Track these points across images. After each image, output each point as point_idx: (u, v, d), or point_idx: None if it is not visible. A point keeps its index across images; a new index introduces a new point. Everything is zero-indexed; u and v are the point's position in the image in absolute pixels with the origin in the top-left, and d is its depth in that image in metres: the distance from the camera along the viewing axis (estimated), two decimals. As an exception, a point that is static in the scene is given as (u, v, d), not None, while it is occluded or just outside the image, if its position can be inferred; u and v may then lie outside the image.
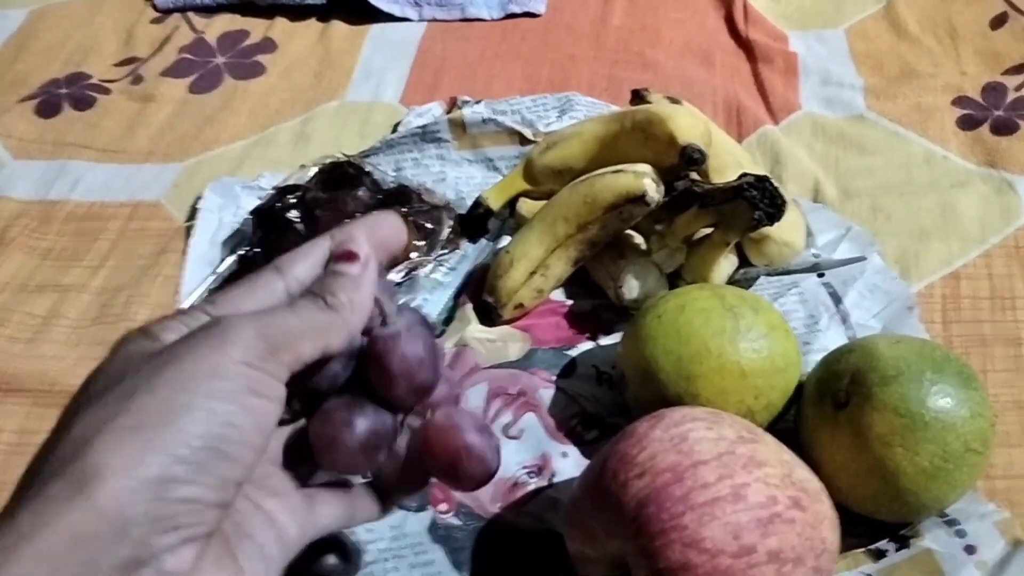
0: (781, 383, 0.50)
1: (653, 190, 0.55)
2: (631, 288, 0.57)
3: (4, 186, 0.72)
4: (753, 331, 0.49)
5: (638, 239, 0.61)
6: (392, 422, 0.36)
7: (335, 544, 0.47)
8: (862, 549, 0.48)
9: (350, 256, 0.34)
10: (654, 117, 0.57)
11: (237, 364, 0.29)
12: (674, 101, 0.64)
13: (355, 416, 0.34)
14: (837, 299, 0.59)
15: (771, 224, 0.52)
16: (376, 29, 0.86)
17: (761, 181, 0.52)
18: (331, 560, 0.46)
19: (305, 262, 0.34)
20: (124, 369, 0.29)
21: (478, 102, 0.73)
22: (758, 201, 0.52)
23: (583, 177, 0.58)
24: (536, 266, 0.59)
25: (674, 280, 0.59)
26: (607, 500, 0.41)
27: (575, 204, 0.57)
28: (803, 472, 0.43)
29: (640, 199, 0.55)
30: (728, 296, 0.51)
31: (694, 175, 0.56)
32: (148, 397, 0.28)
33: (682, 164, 0.55)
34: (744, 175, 0.53)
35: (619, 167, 0.56)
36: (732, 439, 0.42)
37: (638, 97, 0.65)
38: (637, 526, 0.40)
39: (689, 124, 0.56)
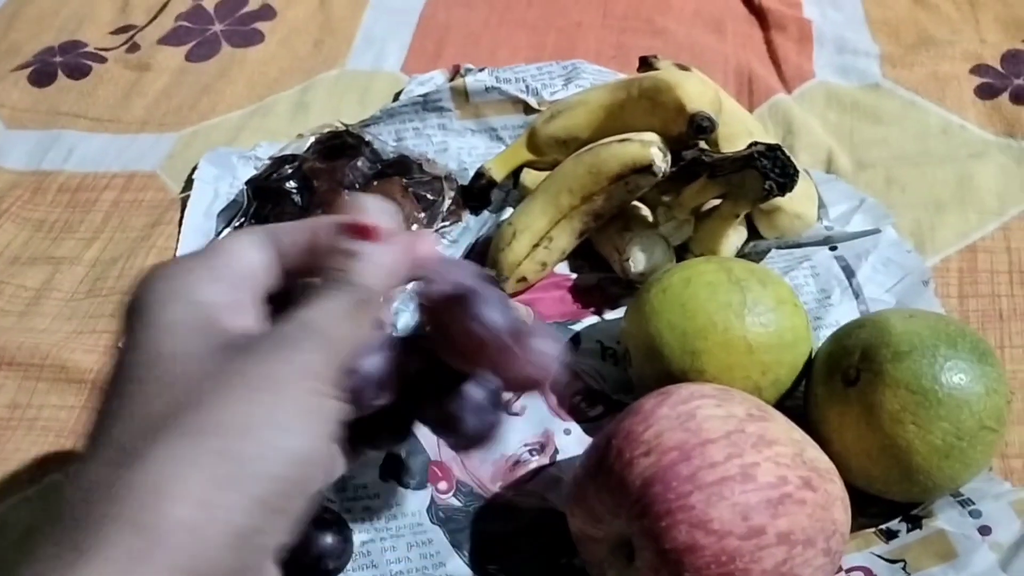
0: (789, 359, 0.48)
1: (660, 159, 0.53)
2: (637, 261, 0.56)
3: (-2, 156, 0.70)
4: (760, 305, 0.47)
5: (645, 211, 0.59)
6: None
7: (331, 524, 0.46)
8: (873, 529, 0.47)
9: (366, 232, 0.30)
10: (662, 84, 0.55)
11: (314, 395, 0.28)
12: (683, 68, 0.62)
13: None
14: (850, 273, 0.58)
15: (782, 195, 0.50)
16: (378, -5, 0.84)
17: (772, 150, 0.50)
18: (328, 540, 0.45)
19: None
20: (174, 350, 0.27)
21: (481, 70, 0.71)
22: (769, 171, 0.50)
23: (588, 147, 0.57)
24: (540, 239, 0.57)
25: (681, 253, 0.58)
26: (611, 479, 0.40)
27: (579, 175, 0.56)
28: (814, 452, 0.42)
29: (647, 169, 0.53)
30: (735, 269, 0.49)
31: (703, 144, 0.54)
32: (224, 415, 0.26)
33: (691, 132, 0.53)
34: (754, 144, 0.51)
35: (625, 136, 0.55)
36: (742, 417, 0.40)
37: (646, 64, 0.63)
38: (642, 506, 0.38)
39: (698, 91, 0.54)
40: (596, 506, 0.41)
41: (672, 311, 0.48)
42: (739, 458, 0.38)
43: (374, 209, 0.31)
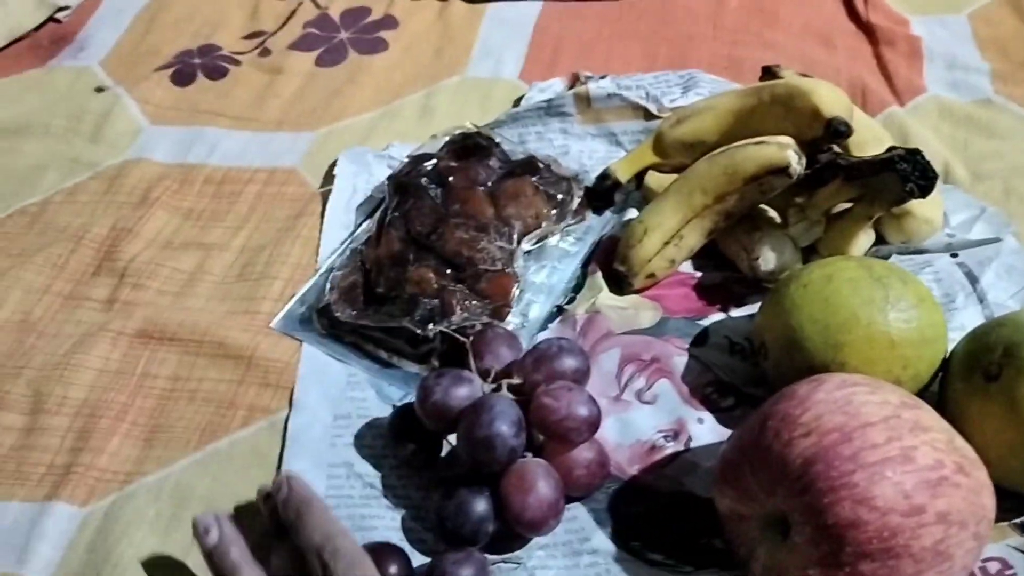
0: (929, 354, 0.50)
1: (796, 162, 0.55)
2: (767, 260, 0.58)
3: (144, 149, 0.75)
4: (903, 301, 0.49)
5: (772, 212, 0.61)
6: None
7: (485, 492, 0.48)
8: (1008, 523, 0.48)
9: None
10: (796, 90, 0.58)
11: None
12: (807, 77, 0.64)
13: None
14: (973, 279, 0.59)
15: (923, 197, 0.52)
16: (493, 8, 0.88)
17: (912, 153, 0.52)
18: (482, 506, 0.48)
19: None
20: None
21: (603, 77, 0.74)
22: (909, 174, 0.52)
23: (722, 148, 0.59)
24: (670, 236, 0.60)
25: (807, 255, 0.60)
26: (768, 458, 0.42)
27: (714, 175, 0.58)
28: (962, 441, 0.44)
29: (783, 171, 0.55)
30: (876, 267, 0.51)
31: (836, 148, 0.56)
32: None
33: (827, 137, 0.56)
34: (893, 148, 0.53)
35: (761, 139, 0.57)
36: (896, 404, 0.42)
37: (769, 73, 0.66)
38: (804, 483, 0.40)
39: (833, 97, 0.57)
40: (750, 484, 0.43)
41: (814, 305, 0.50)
42: (898, 441, 0.40)
43: None
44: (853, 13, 0.84)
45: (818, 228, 0.58)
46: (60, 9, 0.89)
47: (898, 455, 0.40)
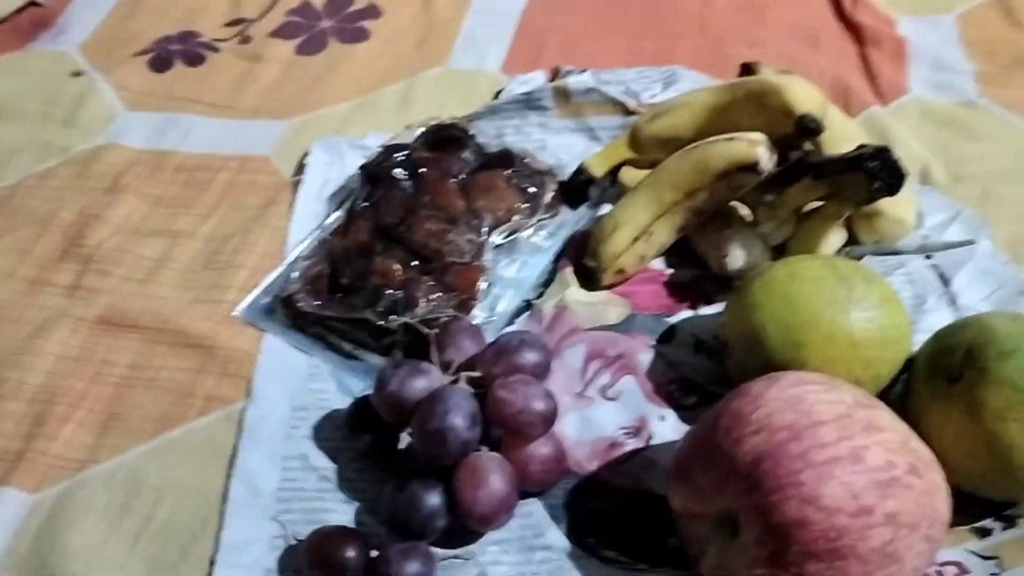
0: (891, 355, 0.49)
1: (766, 159, 0.55)
2: (736, 258, 0.57)
3: (118, 134, 0.74)
4: (866, 301, 0.48)
5: (744, 210, 0.60)
6: None
7: (437, 486, 0.48)
8: (967, 527, 0.47)
9: None
10: (769, 87, 0.57)
11: None
12: (785, 74, 0.64)
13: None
14: (945, 281, 0.58)
15: (891, 195, 0.52)
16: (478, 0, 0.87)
17: (881, 152, 0.51)
18: (434, 500, 0.47)
19: None
20: None
21: (583, 71, 0.73)
22: (878, 172, 0.51)
23: (693, 144, 0.58)
24: (640, 232, 0.59)
25: (778, 254, 0.59)
26: (719, 456, 0.41)
27: (684, 171, 0.57)
28: (917, 443, 0.43)
29: (752, 168, 0.55)
30: (840, 266, 0.50)
31: (808, 146, 0.56)
32: None
33: (797, 134, 0.55)
34: (863, 146, 0.52)
35: (732, 135, 0.56)
36: (850, 403, 0.41)
37: (748, 70, 0.65)
38: (752, 481, 0.39)
39: (806, 95, 0.56)
40: (701, 483, 0.42)
41: (776, 304, 0.49)
42: (849, 440, 0.40)
43: None
44: (841, 13, 0.83)
45: (787, 227, 0.57)
46: (42, -7, 0.89)
47: (848, 455, 0.39)
